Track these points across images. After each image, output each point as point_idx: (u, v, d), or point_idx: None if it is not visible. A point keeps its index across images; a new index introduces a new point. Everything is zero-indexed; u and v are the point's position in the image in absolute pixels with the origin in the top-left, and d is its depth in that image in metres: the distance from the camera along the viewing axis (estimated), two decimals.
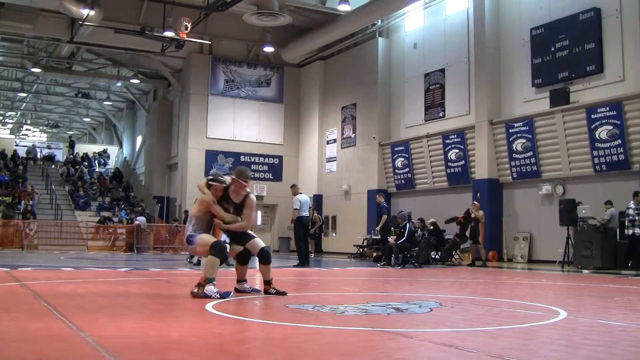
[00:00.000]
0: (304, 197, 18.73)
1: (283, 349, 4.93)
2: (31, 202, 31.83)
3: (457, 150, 25.14)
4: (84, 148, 45.58)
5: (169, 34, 25.83)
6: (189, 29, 24.74)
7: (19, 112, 54.86)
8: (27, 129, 61.02)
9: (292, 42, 32.11)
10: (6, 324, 5.87)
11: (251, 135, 33.48)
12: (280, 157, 34.12)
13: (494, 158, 23.68)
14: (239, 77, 33.43)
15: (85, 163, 41.37)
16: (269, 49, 32.35)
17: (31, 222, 29.69)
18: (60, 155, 43.17)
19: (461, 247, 22.02)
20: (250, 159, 33.26)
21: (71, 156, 41.80)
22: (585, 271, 17.43)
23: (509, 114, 23.40)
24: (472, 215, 20.82)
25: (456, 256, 22.09)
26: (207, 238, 8.38)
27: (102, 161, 43.44)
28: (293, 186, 19.37)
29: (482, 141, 23.84)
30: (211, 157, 32.41)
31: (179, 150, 34.13)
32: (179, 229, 30.09)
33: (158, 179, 36.43)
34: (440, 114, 26.39)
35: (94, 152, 43.76)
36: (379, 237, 21.70)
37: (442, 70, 26.42)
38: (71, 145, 43.82)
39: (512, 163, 22.98)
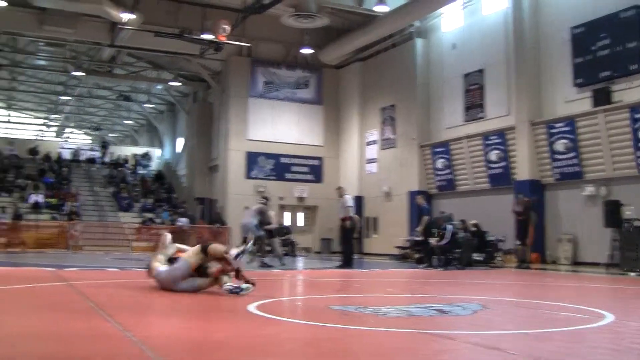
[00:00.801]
0: (351, 198, 18.78)
1: (325, 350, 4.95)
2: (76, 203, 32.29)
3: (497, 151, 24.92)
4: (126, 150, 46.07)
5: (207, 36, 26.02)
6: (227, 31, 24.90)
7: (63, 115, 55.66)
8: (70, 132, 61.90)
9: (329, 44, 32.11)
10: (55, 323, 5.97)
11: (291, 137, 33.52)
12: (320, 159, 34.12)
13: (535, 159, 23.42)
14: (277, 79, 33.53)
15: (127, 165, 41.81)
16: (307, 51, 32.37)
17: (76, 223, 30.10)
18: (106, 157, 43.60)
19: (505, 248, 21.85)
20: (290, 160, 33.33)
21: (101, 157, 42.11)
22: (631, 274, 17.12)
23: (550, 115, 23.13)
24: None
25: (499, 258, 21.90)
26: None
27: (144, 163, 43.87)
28: (339, 188, 19.37)
29: (523, 142, 23.60)
30: (252, 158, 32.53)
31: (219, 152, 34.30)
32: (221, 230, 30.31)
33: (199, 180, 36.68)
34: (480, 115, 26.19)
35: (135, 154, 44.14)
36: (420, 238, 21.60)
37: (481, 71, 26.20)
38: (104, 147, 44.15)
39: (554, 164, 22.71)
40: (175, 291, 8.66)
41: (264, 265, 17.32)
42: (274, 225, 19.55)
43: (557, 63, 23.09)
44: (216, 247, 8.94)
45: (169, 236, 9.70)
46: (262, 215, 18.64)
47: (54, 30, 28.96)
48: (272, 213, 20.29)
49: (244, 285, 8.60)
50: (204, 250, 8.77)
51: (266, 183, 32.39)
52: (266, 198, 20.12)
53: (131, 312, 7.01)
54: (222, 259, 8.77)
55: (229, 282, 8.61)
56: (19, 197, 33.14)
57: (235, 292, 8.44)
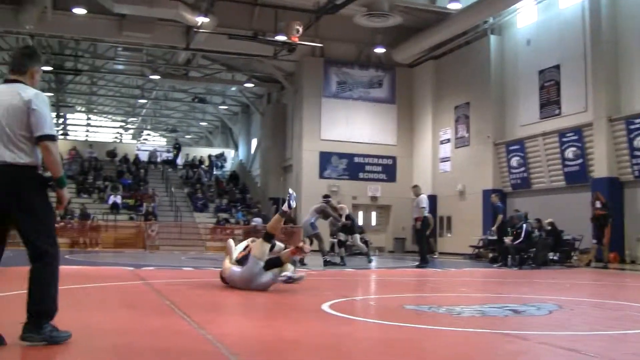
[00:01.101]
0: (426, 198, 18.59)
1: (399, 349, 4.95)
2: (152, 204, 32.94)
3: (574, 149, 24.42)
4: (201, 151, 46.74)
5: (281, 38, 26.22)
6: (300, 32, 25.03)
7: (140, 118, 56.87)
8: (147, 134, 63.18)
9: (402, 43, 31.96)
10: (134, 320, 6.14)
11: (364, 136, 33.48)
12: (394, 158, 34.00)
13: (614, 156, 22.84)
14: (350, 78, 33.54)
15: (203, 166, 42.37)
16: (379, 50, 32.32)
17: (153, 224, 30.72)
18: (179, 159, 44.27)
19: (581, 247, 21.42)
20: (364, 159, 33.31)
21: (174, 158, 42.61)
22: None
23: (629, 110, 22.52)
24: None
25: (575, 257, 21.49)
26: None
27: (219, 164, 44.38)
28: (415, 187, 19.22)
29: (600, 138, 23.07)
30: (325, 158, 32.62)
31: (293, 152, 34.53)
32: (294, 230, 30.48)
33: (273, 180, 36.99)
34: (556, 112, 25.69)
35: (210, 155, 44.72)
36: (495, 237, 21.34)
37: (557, 67, 25.69)
38: (176, 148, 44.65)
39: (634, 161, 22.10)
40: (251, 289, 8.80)
41: (328, 264, 17.31)
42: (345, 212, 19.14)
43: (636, 57, 22.46)
44: (271, 223, 9.39)
45: (232, 242, 9.94)
46: (322, 213, 18.32)
47: (131, 36, 29.63)
48: (340, 206, 19.77)
49: (297, 276, 9.06)
50: (267, 237, 8.94)
51: (339, 183, 32.45)
52: (327, 196, 19.80)
53: (206, 311, 7.14)
54: (282, 222, 9.34)
55: (289, 272, 8.88)
56: (98, 198, 34.00)
57: (290, 282, 8.72)
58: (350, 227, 19.14)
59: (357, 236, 19.55)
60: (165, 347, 4.79)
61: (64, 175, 4.89)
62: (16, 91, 4.74)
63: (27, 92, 4.74)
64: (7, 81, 4.92)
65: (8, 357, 4.42)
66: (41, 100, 4.75)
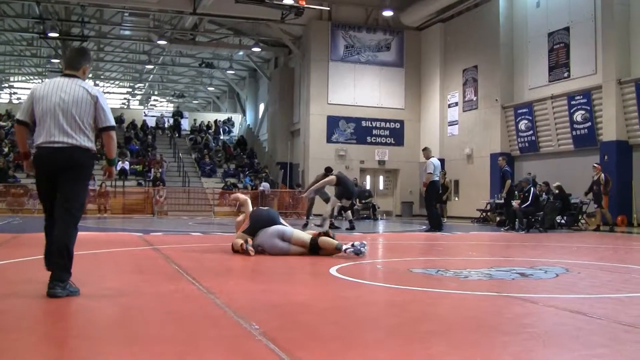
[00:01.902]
0: (437, 161, 18.26)
1: (407, 312, 4.98)
2: (160, 170, 32.97)
3: (583, 112, 24.31)
4: (208, 117, 46.71)
5: (288, 1, 26.03)
6: None
7: (147, 84, 56.77)
8: (154, 100, 63.11)
9: (411, 5, 31.74)
10: (143, 286, 6.18)
11: (372, 100, 33.41)
12: (401, 122, 33.93)
13: (623, 119, 22.75)
14: (358, 42, 33.37)
15: (211, 131, 42.37)
16: (388, 13, 32.10)
17: (161, 189, 30.78)
18: (187, 124, 44.28)
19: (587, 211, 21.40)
20: (371, 123, 33.27)
21: (174, 125, 42.50)
22: None
23: (639, 72, 22.38)
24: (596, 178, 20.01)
25: (583, 221, 21.49)
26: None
27: (227, 129, 44.37)
28: (425, 149, 18.95)
29: (610, 101, 22.95)
30: (333, 122, 32.60)
31: (300, 116, 34.50)
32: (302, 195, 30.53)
33: (281, 145, 36.99)
34: (565, 75, 25.54)
35: (217, 120, 44.67)
36: (502, 201, 21.30)
37: (567, 29, 25.50)
38: (178, 114, 44.35)
39: None
40: (270, 252, 9.04)
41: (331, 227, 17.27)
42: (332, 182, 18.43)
43: None
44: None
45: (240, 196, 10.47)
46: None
47: (138, 1, 29.51)
48: (321, 179, 19.00)
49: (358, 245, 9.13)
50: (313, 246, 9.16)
51: (347, 147, 32.46)
52: (328, 169, 19.65)
53: (214, 275, 7.18)
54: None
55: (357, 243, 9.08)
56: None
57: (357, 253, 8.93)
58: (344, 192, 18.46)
59: (332, 202, 18.48)
60: (175, 312, 4.84)
61: (116, 157, 6.10)
62: (80, 85, 5.62)
63: (93, 89, 5.67)
64: (64, 75, 5.74)
65: (31, 315, 4.48)
66: (104, 97, 5.76)
